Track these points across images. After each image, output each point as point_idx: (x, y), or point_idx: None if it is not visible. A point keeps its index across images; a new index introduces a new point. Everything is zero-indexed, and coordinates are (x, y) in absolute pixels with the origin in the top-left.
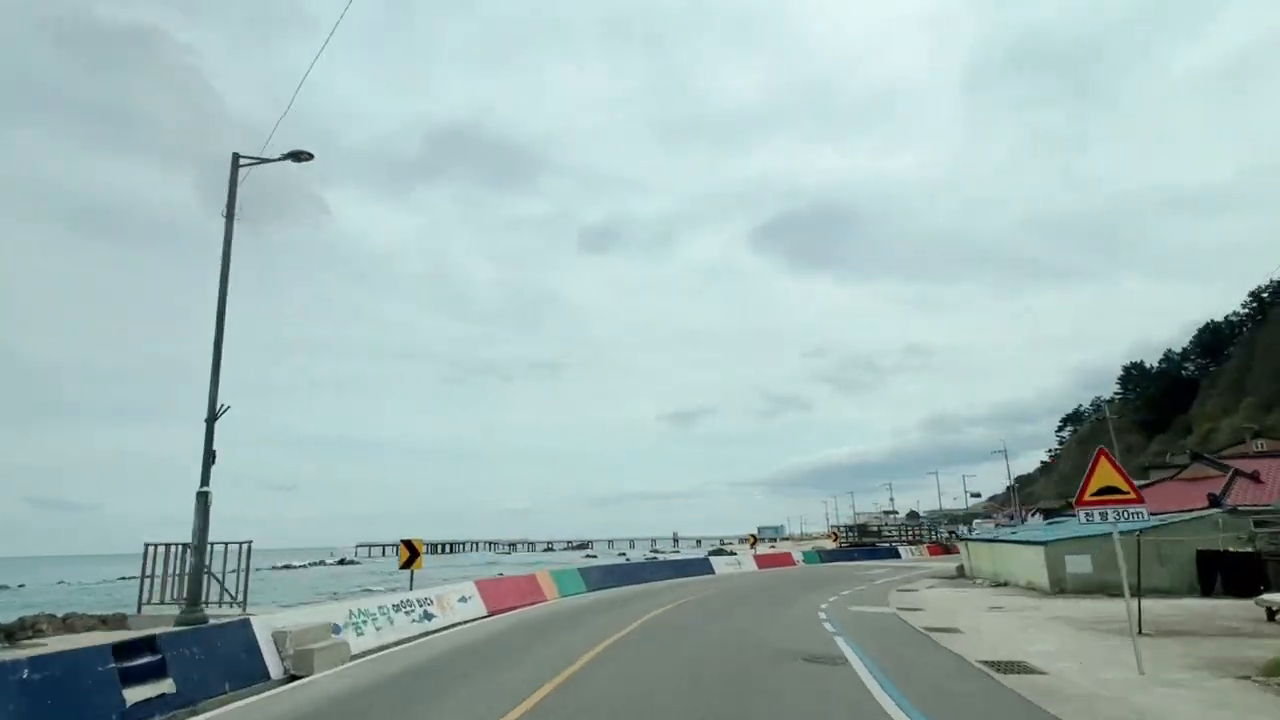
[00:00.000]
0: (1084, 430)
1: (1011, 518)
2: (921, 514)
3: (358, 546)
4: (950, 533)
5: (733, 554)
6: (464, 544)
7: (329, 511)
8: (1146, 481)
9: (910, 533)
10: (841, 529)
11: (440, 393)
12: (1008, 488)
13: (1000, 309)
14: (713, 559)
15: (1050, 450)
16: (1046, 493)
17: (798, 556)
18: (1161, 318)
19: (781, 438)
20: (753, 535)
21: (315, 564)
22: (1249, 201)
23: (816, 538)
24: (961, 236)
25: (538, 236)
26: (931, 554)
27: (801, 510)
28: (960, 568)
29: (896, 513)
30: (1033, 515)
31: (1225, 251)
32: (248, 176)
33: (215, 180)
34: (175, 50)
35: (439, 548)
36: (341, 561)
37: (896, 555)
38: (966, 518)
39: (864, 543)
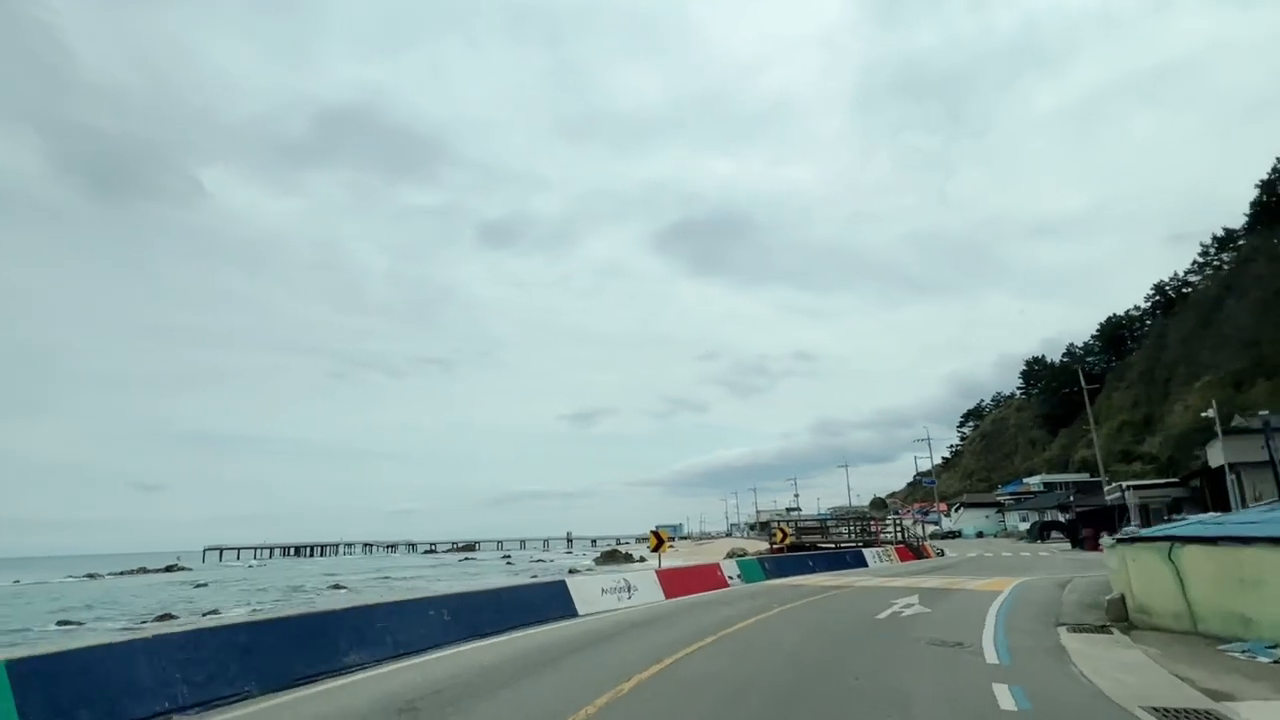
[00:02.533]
0: (985, 425)
1: (926, 513)
2: (823, 512)
3: (206, 550)
4: (950, 533)
5: (627, 560)
6: (334, 546)
7: (203, 513)
8: None
9: (865, 530)
10: (791, 525)
11: (324, 387)
12: (914, 481)
13: (881, 319)
14: (574, 583)
15: (951, 446)
16: (949, 489)
17: (730, 570)
18: (1024, 333)
19: (678, 438)
20: (656, 533)
21: (125, 573)
22: (1101, 229)
23: (717, 537)
24: (848, 248)
25: (434, 229)
26: (902, 557)
27: (699, 509)
28: (1116, 603)
29: (800, 509)
30: (955, 509)
31: (1081, 273)
32: None
33: (69, 148)
34: (23, 2)
35: (305, 551)
36: (169, 568)
37: (863, 562)
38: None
39: (806, 544)
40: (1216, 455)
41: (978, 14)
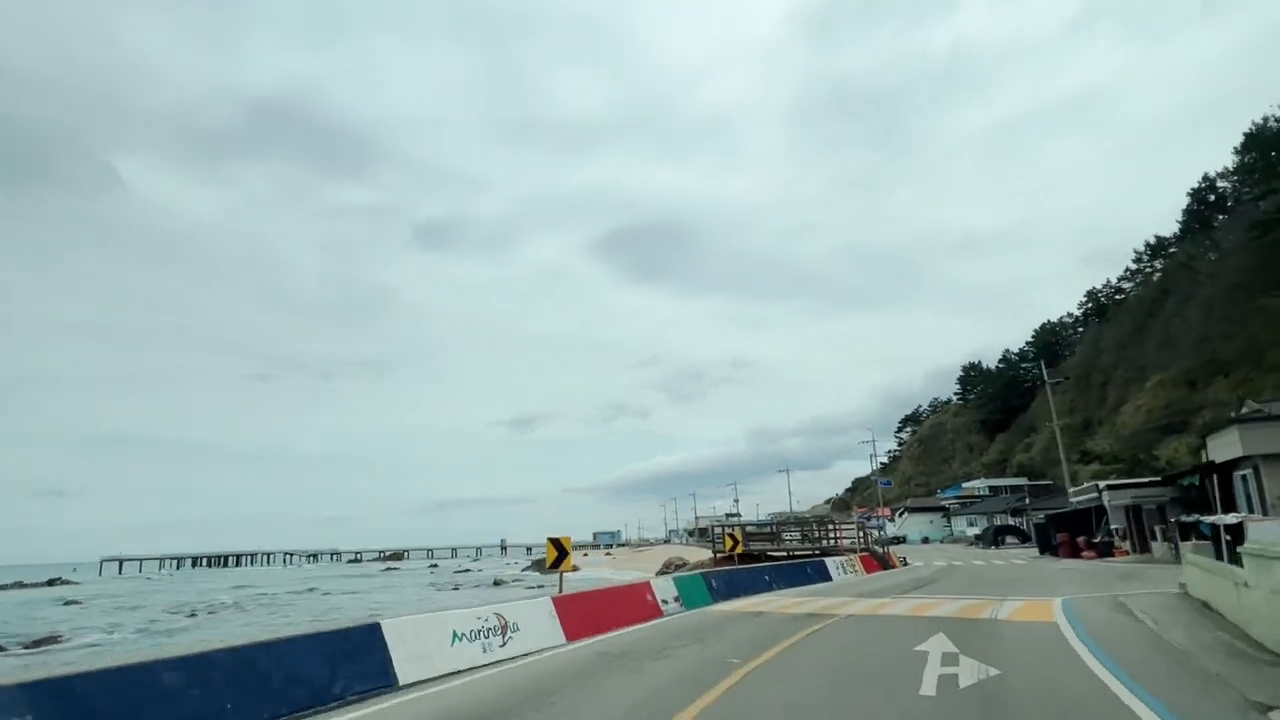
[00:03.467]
0: (924, 430)
1: (869, 518)
2: (763, 518)
3: (103, 561)
4: (895, 539)
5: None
6: (252, 556)
7: (115, 522)
8: None
9: (823, 535)
10: (740, 530)
11: (249, 389)
12: (851, 487)
13: (816, 330)
14: (397, 628)
15: (890, 451)
16: (888, 494)
17: (664, 592)
18: (952, 346)
19: (618, 444)
20: (556, 542)
21: None
22: (1024, 246)
23: (655, 544)
24: (784, 260)
25: (369, 227)
26: (867, 568)
27: (638, 515)
28: None
29: (740, 515)
30: (900, 514)
31: (1004, 289)
32: None
33: None
34: None
35: (221, 561)
36: (51, 582)
37: (826, 575)
38: (806, 520)
39: (755, 553)
40: (1229, 447)
41: (909, 37)
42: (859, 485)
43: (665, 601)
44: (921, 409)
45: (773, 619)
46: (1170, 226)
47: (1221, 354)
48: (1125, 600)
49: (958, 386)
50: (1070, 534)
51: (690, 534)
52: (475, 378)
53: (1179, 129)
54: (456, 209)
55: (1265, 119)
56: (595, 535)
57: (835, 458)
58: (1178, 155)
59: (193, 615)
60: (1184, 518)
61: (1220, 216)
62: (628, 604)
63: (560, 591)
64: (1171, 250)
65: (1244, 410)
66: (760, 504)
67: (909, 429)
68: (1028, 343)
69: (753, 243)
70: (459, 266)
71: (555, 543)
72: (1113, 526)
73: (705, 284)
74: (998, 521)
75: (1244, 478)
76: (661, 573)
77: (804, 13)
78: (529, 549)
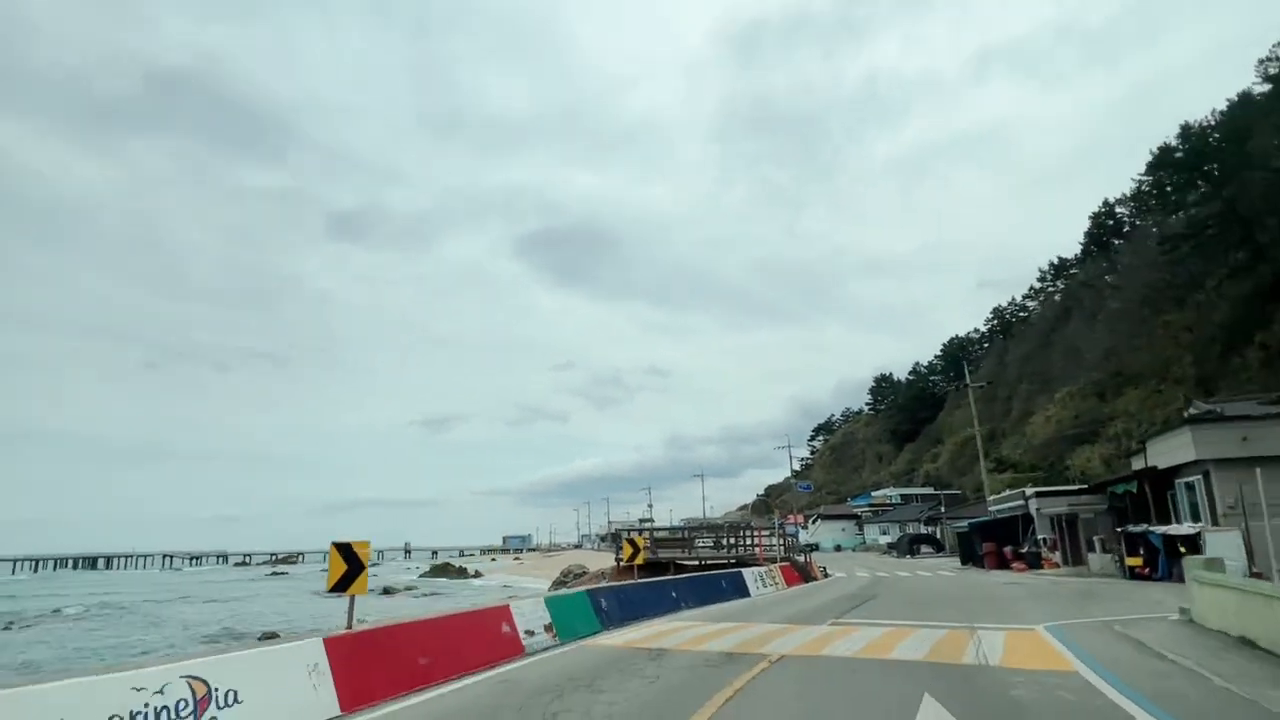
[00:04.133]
0: (835, 438)
1: (781, 525)
2: (680, 522)
3: None
4: (808, 547)
5: (460, 574)
6: (129, 558)
7: None
8: None
9: (741, 543)
10: (646, 536)
11: (135, 378)
12: (764, 494)
13: (731, 340)
14: None
15: (802, 459)
16: (801, 500)
17: (532, 619)
18: (858, 362)
19: (535, 448)
20: (342, 547)
21: None
22: (927, 270)
23: (567, 549)
24: (703, 270)
25: (275, 213)
26: (789, 580)
27: (552, 520)
28: None
29: (653, 520)
30: (813, 521)
31: (910, 308)
32: None
33: None
34: None
35: (91, 562)
36: None
37: (743, 590)
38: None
39: (663, 561)
40: (1178, 450)
41: (828, 64)
42: (772, 492)
43: (531, 633)
44: (834, 418)
45: (677, 664)
46: (1066, 254)
47: (1129, 367)
48: (1128, 630)
49: (869, 397)
50: (996, 544)
51: (602, 539)
52: (387, 375)
53: (1069, 168)
54: (372, 200)
55: (1191, 123)
56: (505, 539)
57: (747, 466)
58: (1067, 192)
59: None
60: (1131, 528)
61: (1117, 241)
62: (471, 639)
63: (349, 626)
64: (1073, 271)
65: (1190, 410)
66: (674, 510)
67: (821, 437)
68: (936, 356)
69: (674, 252)
70: (372, 259)
71: (344, 551)
72: (1040, 536)
73: (626, 290)
74: (911, 530)
75: (1189, 485)
76: (559, 582)
77: (729, 31)
78: (434, 553)
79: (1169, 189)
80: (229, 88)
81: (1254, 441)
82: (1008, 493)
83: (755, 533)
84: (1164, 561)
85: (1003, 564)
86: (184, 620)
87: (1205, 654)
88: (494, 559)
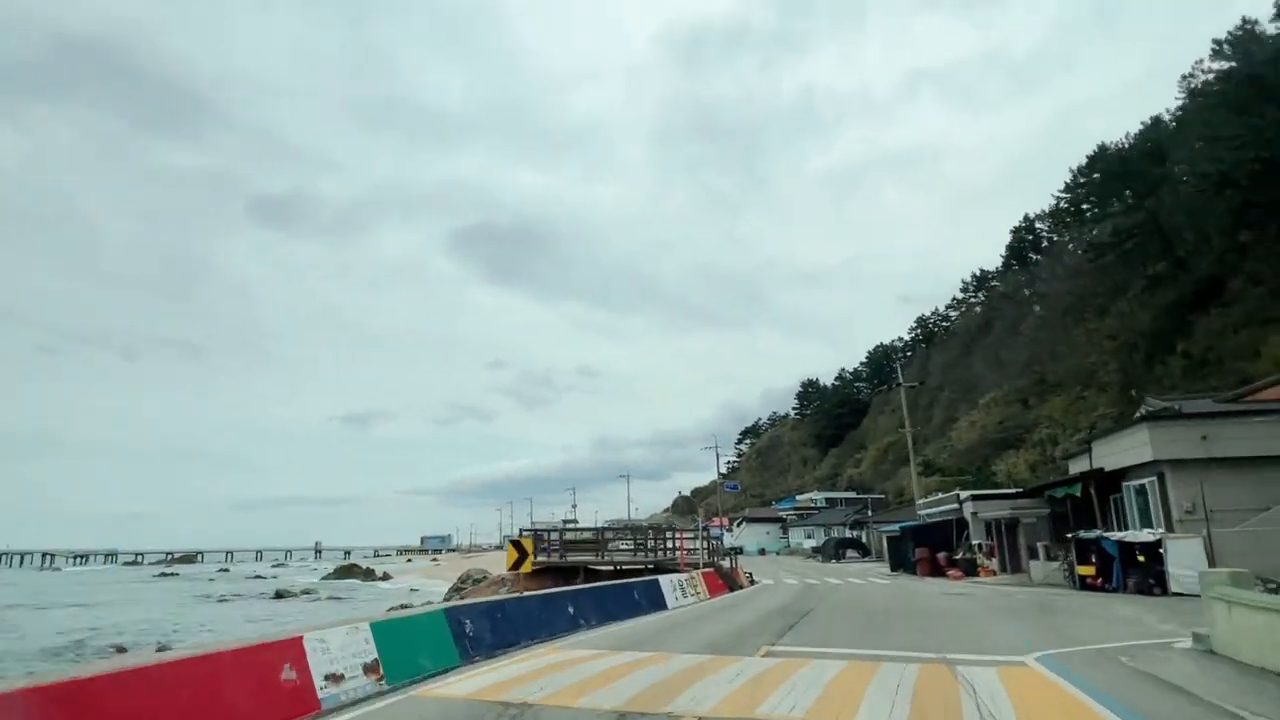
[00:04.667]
0: (762, 442)
1: (706, 527)
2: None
3: None
4: (733, 550)
5: (368, 576)
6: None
7: None
8: None
9: (660, 546)
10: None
11: (30, 363)
12: (688, 496)
13: (666, 344)
14: None
15: (729, 462)
16: (725, 504)
17: (341, 658)
18: (789, 367)
19: (461, 447)
20: None
21: None
22: (855, 281)
23: (487, 549)
24: (641, 273)
25: (194, 195)
26: (712, 589)
27: (476, 520)
28: None
29: (576, 520)
30: (738, 524)
31: (836, 318)
32: None
33: None
34: None
35: None
36: None
37: (659, 601)
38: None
39: (572, 566)
40: (1132, 451)
41: (766, 75)
42: (698, 494)
43: (337, 678)
44: (761, 422)
45: None
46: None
47: (1051, 374)
48: (1142, 665)
49: (796, 402)
50: (930, 550)
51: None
52: (310, 369)
53: (992, 189)
54: (301, 186)
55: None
56: (423, 539)
57: (675, 469)
58: (989, 212)
59: None
60: (1082, 534)
61: (1035, 256)
62: (227, 696)
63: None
64: (994, 283)
65: (1145, 409)
66: (600, 511)
67: (748, 441)
68: (861, 363)
69: (613, 253)
70: (299, 248)
71: None
72: (975, 542)
73: (564, 289)
74: (836, 534)
75: (1139, 488)
76: (455, 588)
77: (673, 36)
78: (347, 553)
79: (1085, 207)
80: (150, 60)
81: (1214, 441)
82: (939, 495)
83: (677, 535)
84: (1119, 571)
85: (936, 571)
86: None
87: (1268, 702)
88: (410, 560)
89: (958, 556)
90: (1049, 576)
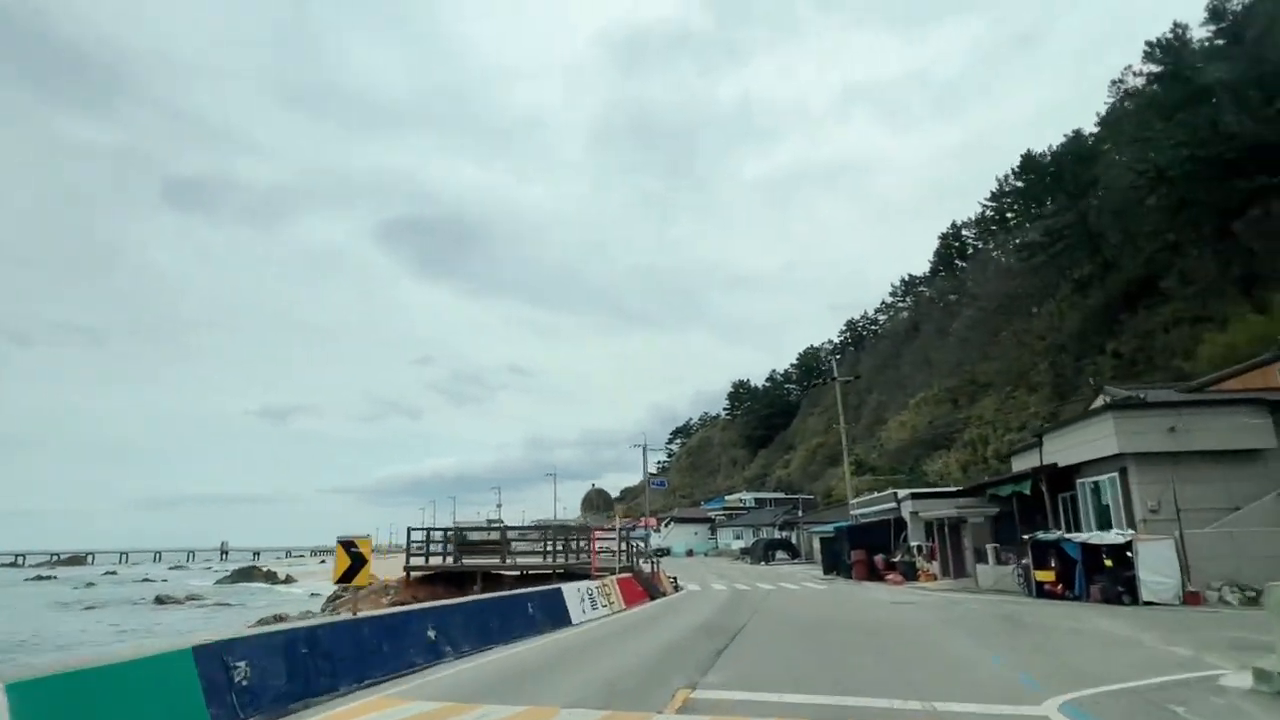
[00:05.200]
0: (692, 442)
1: (633, 528)
2: (525, 524)
3: None
4: (659, 552)
5: (269, 579)
6: None
7: None
8: None
9: (570, 547)
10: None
11: None
12: (618, 497)
13: (598, 344)
14: None
15: (659, 462)
16: (654, 504)
17: None
18: (720, 371)
19: (388, 444)
20: None
21: None
22: (788, 287)
23: (397, 551)
24: (576, 272)
25: (105, 172)
26: (629, 598)
27: (401, 519)
28: None
29: (502, 520)
30: (666, 525)
31: (769, 324)
32: None
33: None
34: None
35: None
36: None
37: (560, 615)
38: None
39: (469, 571)
40: (1094, 443)
41: (705, 82)
42: (627, 494)
43: None
44: (692, 422)
45: None
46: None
47: (981, 375)
48: (1197, 715)
49: (727, 402)
50: (866, 552)
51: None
52: (228, 360)
53: (919, 203)
54: (221, 169)
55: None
56: (340, 539)
57: (606, 469)
58: (916, 225)
59: None
60: (1041, 535)
61: (961, 263)
62: None
63: None
64: (921, 289)
65: (1104, 399)
66: (527, 511)
67: (679, 441)
68: (792, 365)
69: (548, 252)
70: (219, 234)
71: None
72: (913, 544)
73: (496, 287)
74: (765, 535)
75: (1094, 486)
76: (335, 597)
77: (613, 37)
78: (256, 554)
79: (1009, 215)
80: (58, 27)
81: (1183, 433)
82: (874, 494)
83: (590, 537)
84: (1082, 576)
85: (874, 574)
86: None
87: None
88: (323, 561)
89: (896, 559)
90: (999, 582)
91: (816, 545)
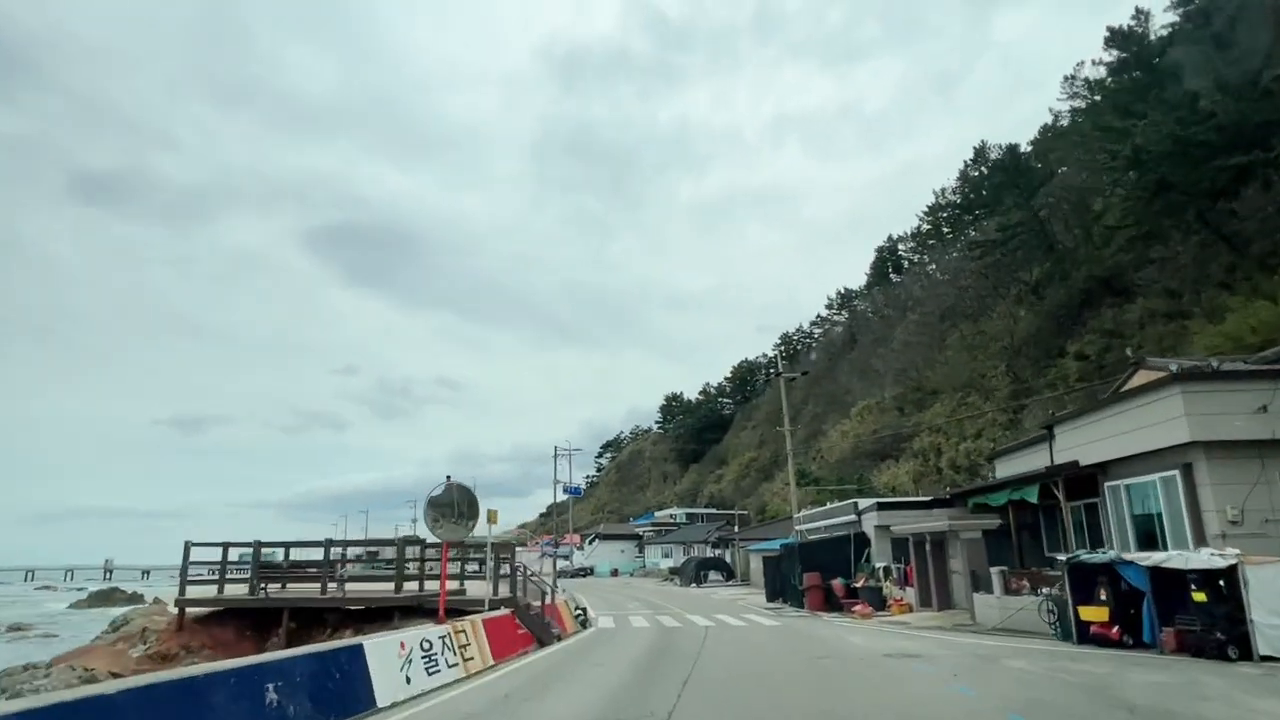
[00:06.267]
0: (623, 456)
1: (556, 545)
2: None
3: None
4: (580, 571)
5: (131, 601)
6: None
7: None
8: None
9: (411, 573)
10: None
11: None
12: (546, 512)
13: (531, 360)
14: None
15: (588, 476)
16: (581, 521)
17: None
18: (653, 388)
19: (309, 457)
20: None
21: None
22: (721, 308)
23: None
24: (511, 287)
25: (5, 163)
26: (501, 648)
27: (315, 535)
28: None
29: (419, 537)
30: (590, 542)
31: (702, 343)
32: None
33: None
34: None
35: None
36: None
37: (357, 697)
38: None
39: (269, 606)
40: (1131, 435)
41: (643, 104)
42: (553, 510)
43: None
44: (623, 435)
45: None
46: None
47: (928, 381)
48: None
49: (659, 415)
50: (820, 574)
51: (359, 559)
52: (136, 365)
53: (845, 231)
54: (134, 162)
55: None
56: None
57: (537, 486)
58: (842, 252)
59: None
60: (1086, 557)
61: (896, 277)
62: None
63: None
64: (856, 303)
65: (1174, 368)
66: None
67: (609, 455)
68: (726, 379)
69: (483, 264)
70: (126, 230)
71: None
72: (877, 565)
73: (428, 298)
74: (697, 553)
75: (1130, 490)
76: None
77: (553, 53)
78: (145, 573)
79: (945, 230)
80: None
81: (1277, 416)
82: (830, 506)
83: (442, 555)
84: (1152, 615)
85: (831, 603)
86: None
87: None
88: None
89: (858, 585)
90: (1012, 619)
91: (755, 565)
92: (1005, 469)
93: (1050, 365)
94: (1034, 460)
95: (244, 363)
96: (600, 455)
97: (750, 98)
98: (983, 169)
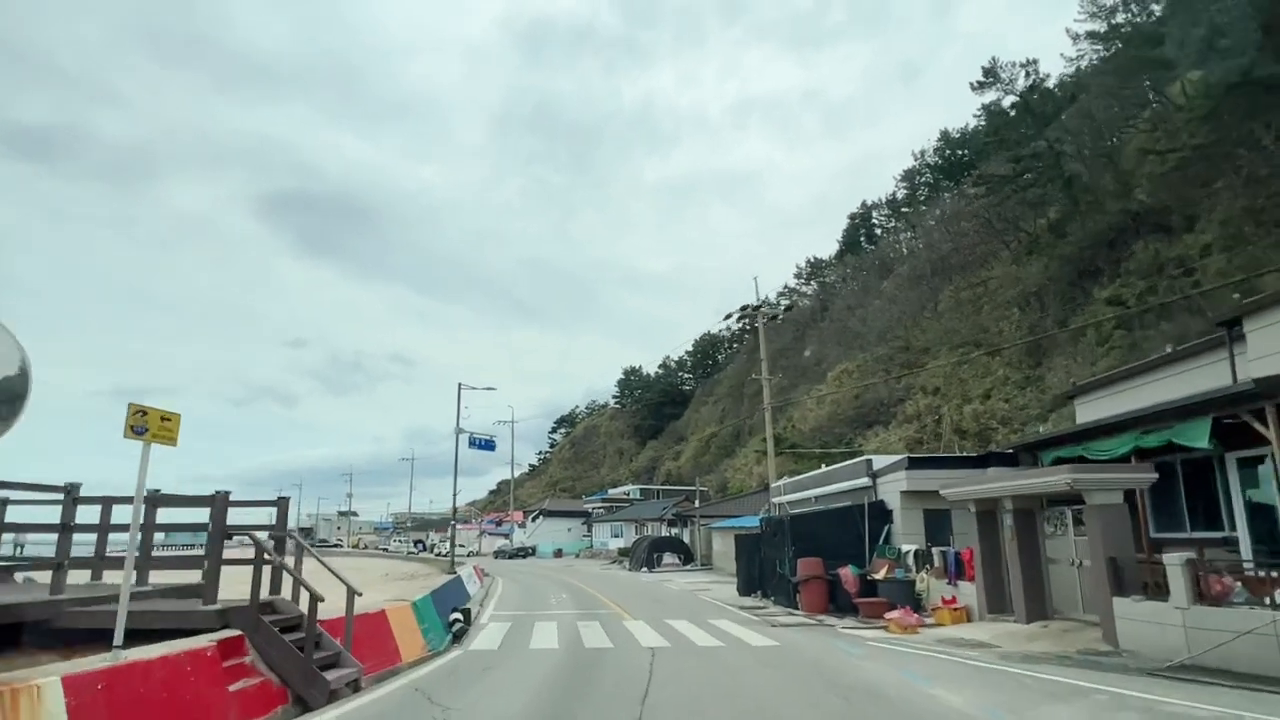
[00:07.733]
0: (577, 432)
1: (499, 523)
2: (389, 520)
3: None
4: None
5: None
6: None
7: None
8: None
9: None
10: None
11: None
12: (496, 489)
13: (489, 336)
14: None
15: (540, 453)
16: (531, 498)
17: None
18: (612, 367)
19: (258, 431)
20: None
21: None
22: (680, 290)
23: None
24: (469, 261)
25: None
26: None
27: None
28: None
29: (356, 514)
30: (534, 519)
31: (663, 324)
32: None
33: None
34: None
35: None
36: None
37: None
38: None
39: None
40: None
41: (608, 80)
42: (502, 487)
43: None
44: (579, 409)
45: None
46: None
47: (918, 340)
48: None
49: (616, 389)
50: (823, 564)
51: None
52: (69, 332)
53: (807, 216)
54: (72, 118)
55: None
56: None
57: (493, 464)
58: (803, 237)
59: None
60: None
61: (868, 245)
62: None
63: None
64: (827, 273)
65: None
66: (392, 504)
67: (563, 430)
68: (687, 352)
69: (440, 238)
70: (66, 188)
71: None
72: (906, 549)
73: (382, 270)
74: (650, 531)
75: None
76: None
77: (517, 24)
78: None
79: (919, 193)
80: None
81: None
82: (826, 470)
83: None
84: None
85: (838, 604)
86: None
87: None
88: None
89: (878, 576)
90: (1221, 650)
91: (719, 547)
92: (1096, 410)
93: (1075, 312)
94: (1173, 388)
95: (190, 332)
96: (554, 431)
97: (715, 78)
98: (985, 106)
